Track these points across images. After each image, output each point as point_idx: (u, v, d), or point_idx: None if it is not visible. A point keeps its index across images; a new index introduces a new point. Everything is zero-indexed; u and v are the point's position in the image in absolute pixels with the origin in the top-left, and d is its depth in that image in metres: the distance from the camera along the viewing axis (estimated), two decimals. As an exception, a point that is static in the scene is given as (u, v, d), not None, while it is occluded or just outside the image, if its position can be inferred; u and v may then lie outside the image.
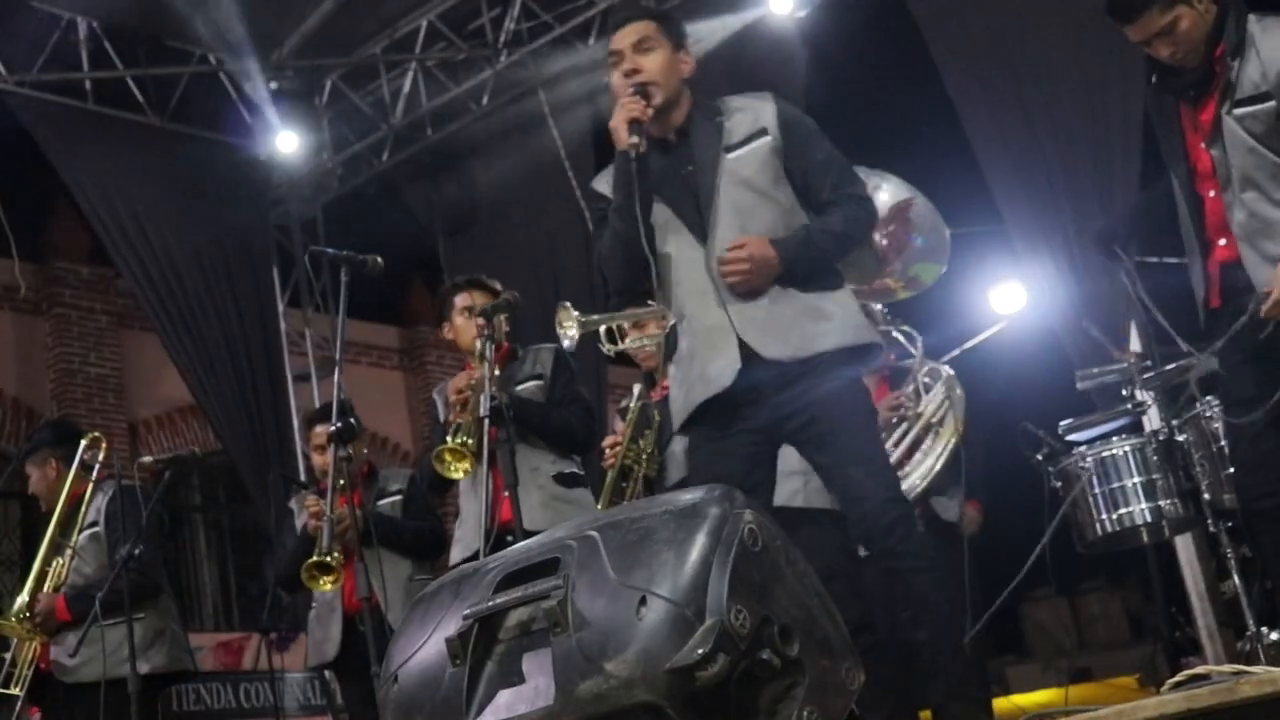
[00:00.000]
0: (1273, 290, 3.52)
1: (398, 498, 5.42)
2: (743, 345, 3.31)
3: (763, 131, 3.44)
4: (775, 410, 3.33)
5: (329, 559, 4.77)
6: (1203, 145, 3.68)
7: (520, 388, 4.83)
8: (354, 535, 4.84)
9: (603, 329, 4.40)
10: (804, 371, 3.31)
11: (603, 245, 3.50)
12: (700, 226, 3.39)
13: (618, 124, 3.36)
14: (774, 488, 3.52)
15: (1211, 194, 3.69)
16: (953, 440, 4.91)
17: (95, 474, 5.50)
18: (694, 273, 3.39)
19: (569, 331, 4.34)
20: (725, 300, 3.33)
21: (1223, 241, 3.71)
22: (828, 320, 3.36)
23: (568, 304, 4.53)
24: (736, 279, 3.31)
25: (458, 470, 4.66)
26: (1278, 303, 3.52)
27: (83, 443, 5.49)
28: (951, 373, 5.14)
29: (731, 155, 3.42)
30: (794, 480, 4.14)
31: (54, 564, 5.36)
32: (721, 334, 3.32)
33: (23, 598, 5.31)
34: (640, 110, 3.35)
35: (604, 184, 3.57)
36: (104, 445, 5.55)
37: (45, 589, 5.33)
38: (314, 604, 5.56)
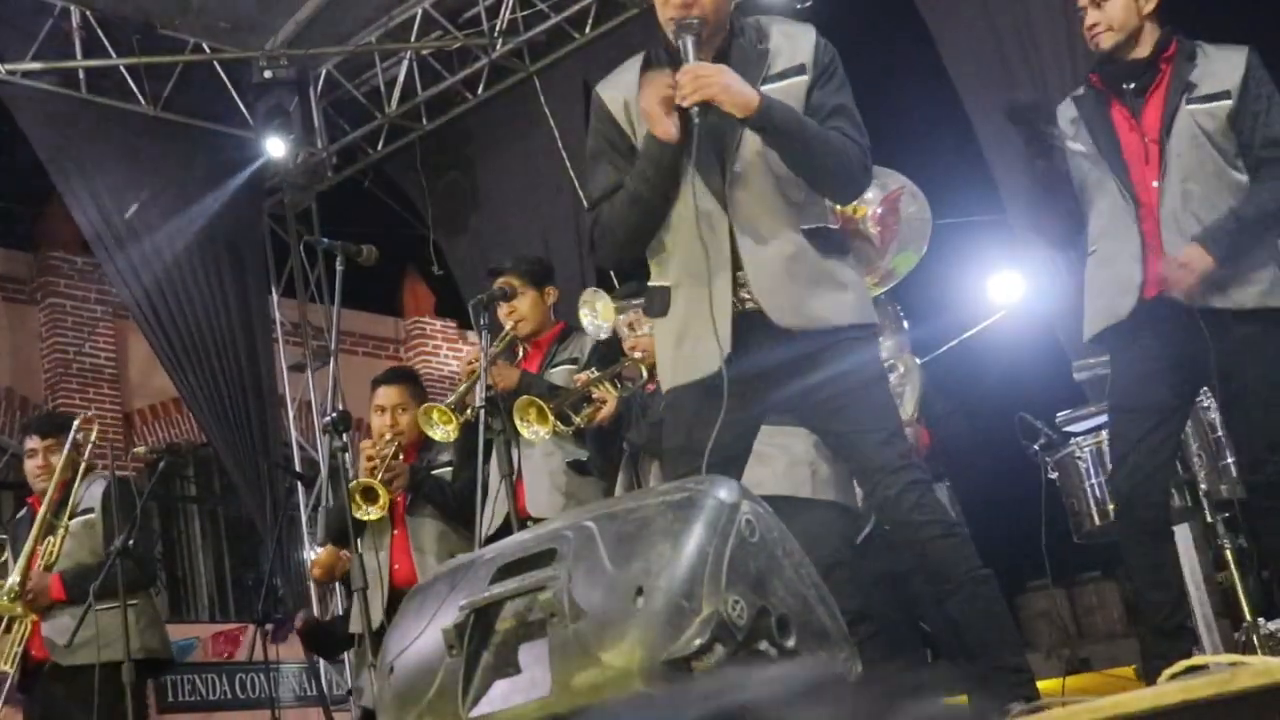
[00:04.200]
0: (1177, 272, 3.66)
1: (448, 468, 5.34)
2: (744, 316, 3.06)
3: (800, 68, 3.12)
4: (779, 380, 3.11)
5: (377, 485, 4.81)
6: (1141, 140, 3.81)
7: (554, 370, 4.83)
8: (402, 485, 5.01)
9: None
10: (820, 345, 3.08)
11: (614, 211, 3.14)
12: (720, 173, 3.07)
13: (650, 107, 2.99)
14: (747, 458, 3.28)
15: (1154, 184, 3.78)
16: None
17: (86, 456, 5.48)
18: (698, 232, 3.03)
19: (600, 320, 4.38)
20: (741, 261, 3.04)
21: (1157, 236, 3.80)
22: (845, 291, 3.14)
23: (599, 289, 4.58)
24: (693, 85, 2.94)
25: (438, 430, 4.68)
26: (1181, 282, 3.65)
27: (75, 423, 5.49)
28: (912, 358, 5.15)
29: (768, 88, 3.07)
30: (802, 469, 4.12)
31: (45, 544, 5.37)
32: (718, 310, 3.03)
33: (14, 576, 5.30)
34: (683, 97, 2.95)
35: (614, 92, 3.19)
36: (94, 427, 5.53)
37: (36, 569, 5.33)
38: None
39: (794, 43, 3.16)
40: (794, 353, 3.08)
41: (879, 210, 4.44)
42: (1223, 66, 3.78)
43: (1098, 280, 3.87)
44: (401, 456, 5.13)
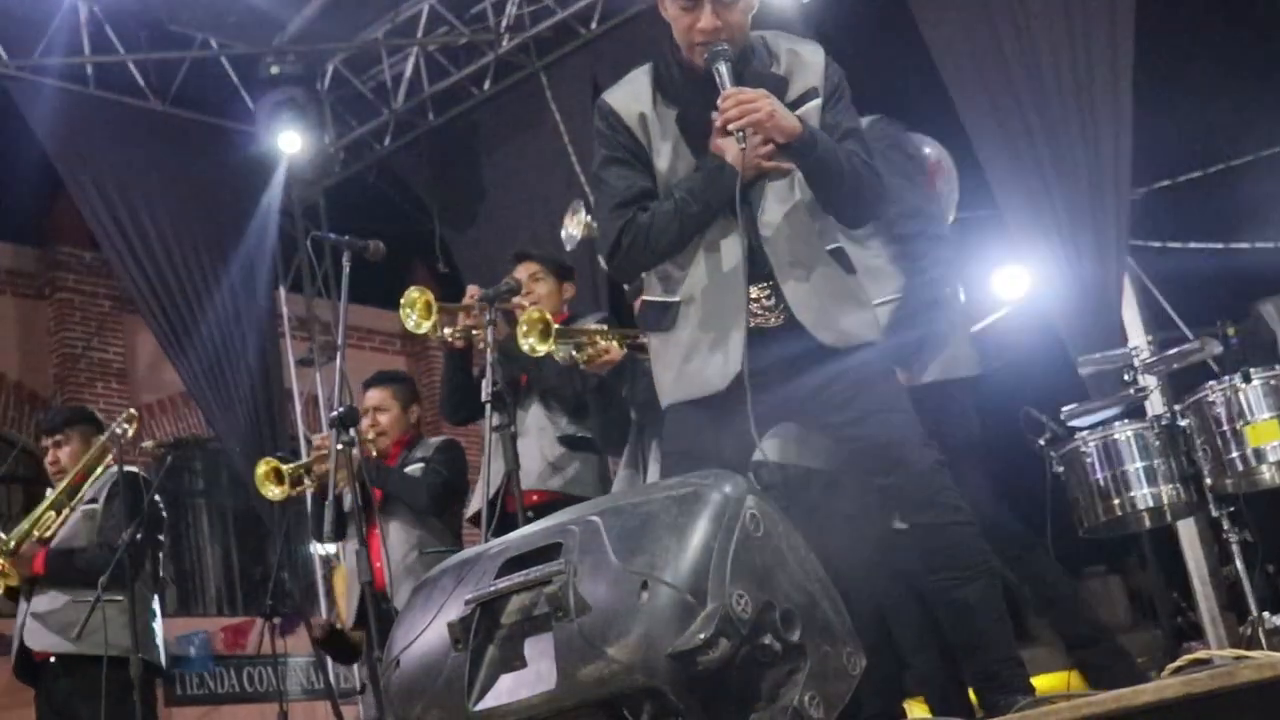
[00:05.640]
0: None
1: (419, 465, 5.41)
2: (765, 333, 3.07)
3: (814, 91, 3.14)
4: (803, 393, 3.11)
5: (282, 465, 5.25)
6: None
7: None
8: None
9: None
10: (848, 359, 3.11)
11: (657, 222, 3.10)
12: (749, 194, 3.08)
13: (725, 133, 2.97)
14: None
15: None
16: None
17: (114, 452, 5.49)
18: (717, 249, 3.10)
19: (572, 232, 4.55)
20: (775, 272, 3.06)
21: None
22: (866, 309, 3.21)
23: (580, 204, 4.67)
24: (738, 111, 2.94)
25: (411, 318, 4.71)
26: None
27: (121, 416, 5.53)
28: None
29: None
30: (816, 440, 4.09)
31: (46, 518, 5.44)
32: (733, 326, 3.06)
33: (14, 535, 5.39)
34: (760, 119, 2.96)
35: (628, 104, 3.17)
36: (134, 425, 5.55)
37: (31, 540, 5.39)
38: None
39: (804, 64, 3.17)
40: (815, 364, 3.09)
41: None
42: None
43: None
44: (381, 456, 5.39)
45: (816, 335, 3.08)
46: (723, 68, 3.02)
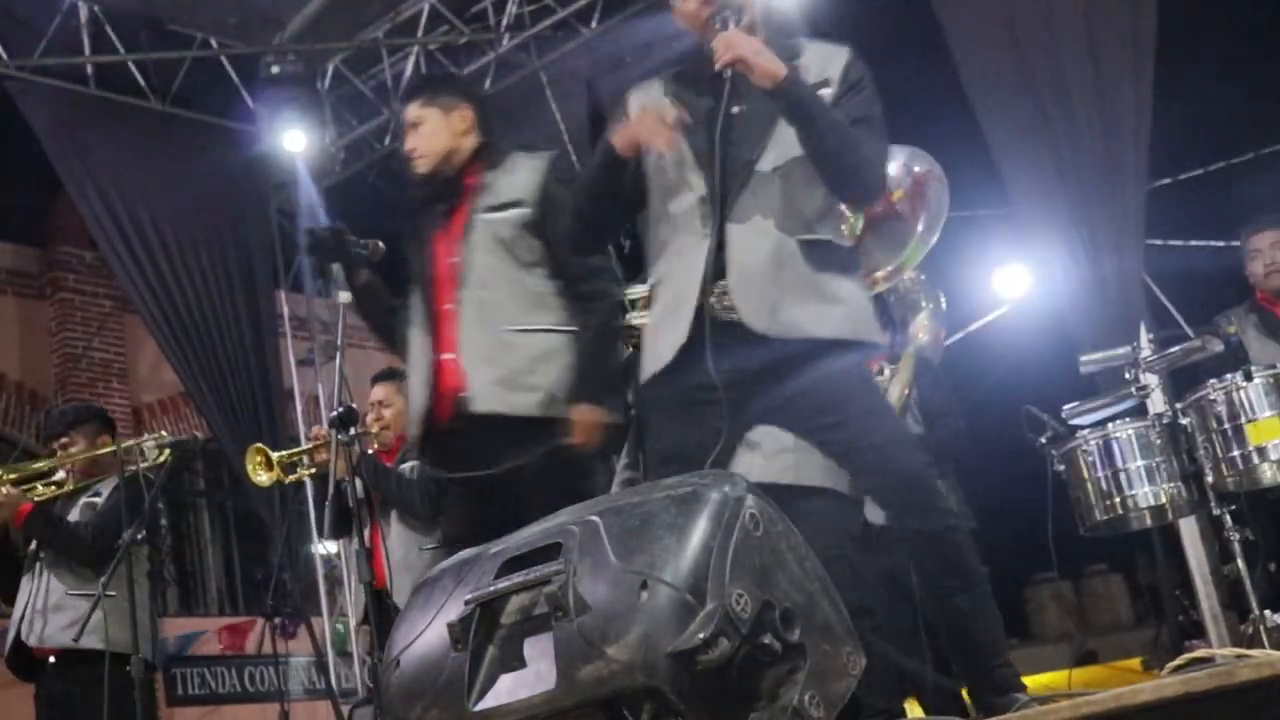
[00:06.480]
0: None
1: (417, 462, 5.42)
2: (723, 326, 3.03)
3: (825, 83, 3.11)
4: (759, 388, 3.06)
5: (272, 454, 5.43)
6: (449, 255, 3.82)
7: None
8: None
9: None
10: (796, 354, 3.03)
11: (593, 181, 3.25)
12: (734, 176, 3.07)
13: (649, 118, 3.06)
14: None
15: (448, 306, 3.81)
16: None
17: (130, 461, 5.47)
18: (694, 233, 3.09)
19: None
20: (725, 266, 3.03)
21: (450, 355, 3.80)
22: (833, 305, 3.08)
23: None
24: (724, 46, 2.98)
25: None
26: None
27: (151, 435, 5.54)
28: (908, 363, 5.16)
29: None
30: (785, 457, 4.09)
31: (49, 488, 5.46)
32: (689, 301, 3.04)
33: (15, 470, 5.45)
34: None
35: (639, 91, 3.28)
36: (168, 451, 5.53)
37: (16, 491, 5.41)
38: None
39: (825, 61, 3.17)
40: (769, 360, 3.03)
41: (909, 190, 4.44)
42: (518, 177, 3.86)
43: None
44: (384, 449, 5.54)
45: (748, 322, 3.01)
46: (730, 19, 3.06)
